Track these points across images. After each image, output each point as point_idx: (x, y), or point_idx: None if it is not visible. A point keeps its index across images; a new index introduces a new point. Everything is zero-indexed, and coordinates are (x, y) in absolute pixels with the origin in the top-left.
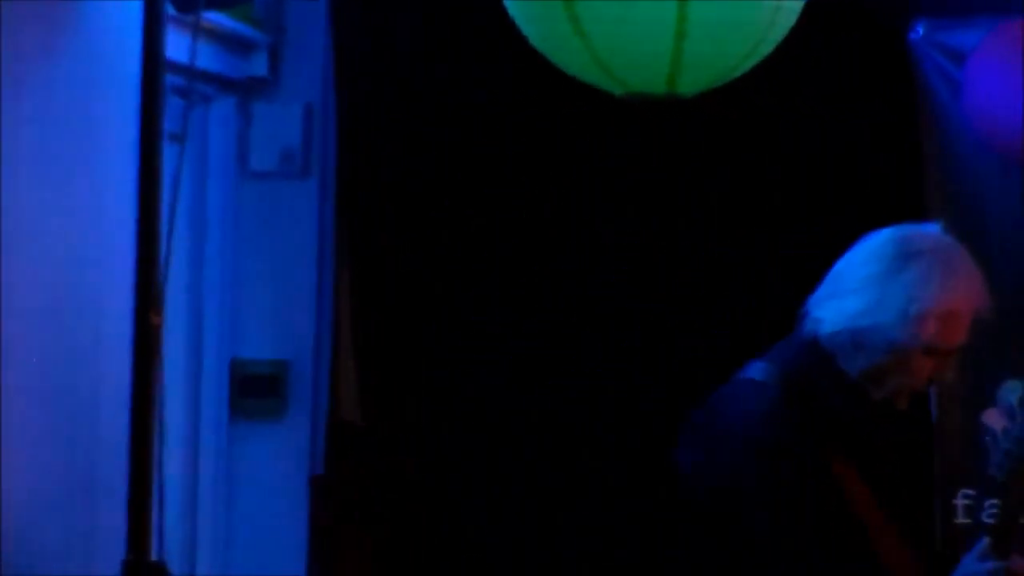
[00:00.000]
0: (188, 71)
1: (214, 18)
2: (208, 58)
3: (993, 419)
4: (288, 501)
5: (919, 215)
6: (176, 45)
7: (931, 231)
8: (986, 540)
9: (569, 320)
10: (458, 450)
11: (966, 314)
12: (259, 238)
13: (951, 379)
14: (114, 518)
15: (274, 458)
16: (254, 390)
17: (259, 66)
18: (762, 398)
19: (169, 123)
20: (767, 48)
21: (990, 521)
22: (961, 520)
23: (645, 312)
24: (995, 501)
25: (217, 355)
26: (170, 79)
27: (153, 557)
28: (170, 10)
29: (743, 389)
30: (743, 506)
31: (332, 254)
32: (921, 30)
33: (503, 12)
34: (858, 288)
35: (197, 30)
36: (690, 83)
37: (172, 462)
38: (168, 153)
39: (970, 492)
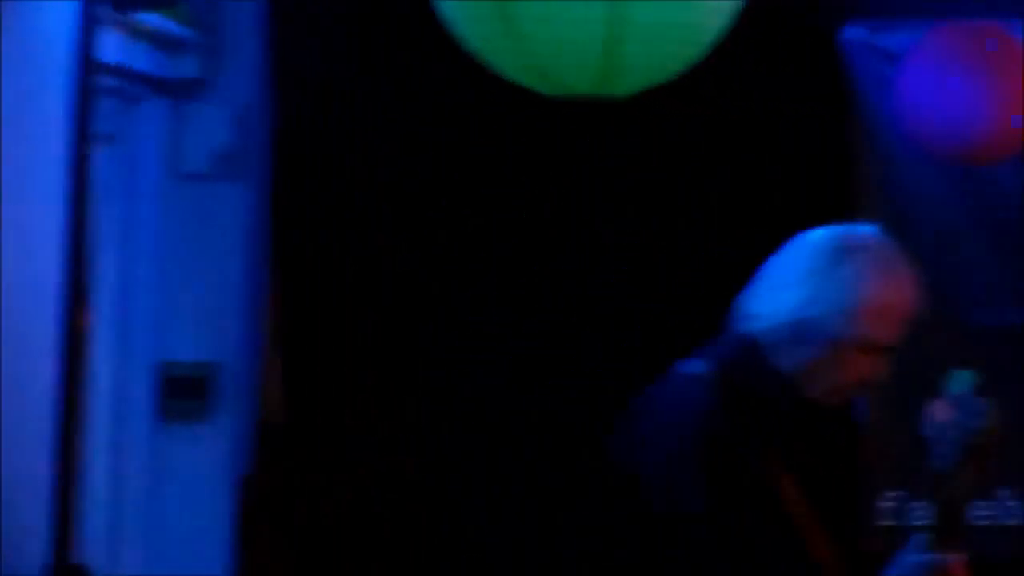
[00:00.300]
0: (121, 72)
1: (147, 19)
2: (140, 58)
3: (939, 410)
4: (215, 502)
5: (851, 213)
6: (109, 46)
7: (868, 230)
8: (927, 534)
9: (490, 319)
10: (384, 449)
11: (900, 312)
12: (189, 240)
13: (884, 379)
14: (38, 520)
15: (201, 459)
16: (182, 392)
17: (192, 67)
18: (700, 393)
19: (101, 124)
20: (702, 49)
21: (926, 519)
22: (886, 522)
23: (581, 310)
24: (931, 498)
25: (145, 357)
26: (103, 80)
27: (76, 559)
28: (105, 10)
29: (682, 384)
30: (680, 501)
31: (262, 256)
32: (854, 31)
33: (438, 12)
34: (796, 282)
35: (130, 31)
36: (624, 84)
37: (99, 464)
38: (99, 154)
39: (893, 494)
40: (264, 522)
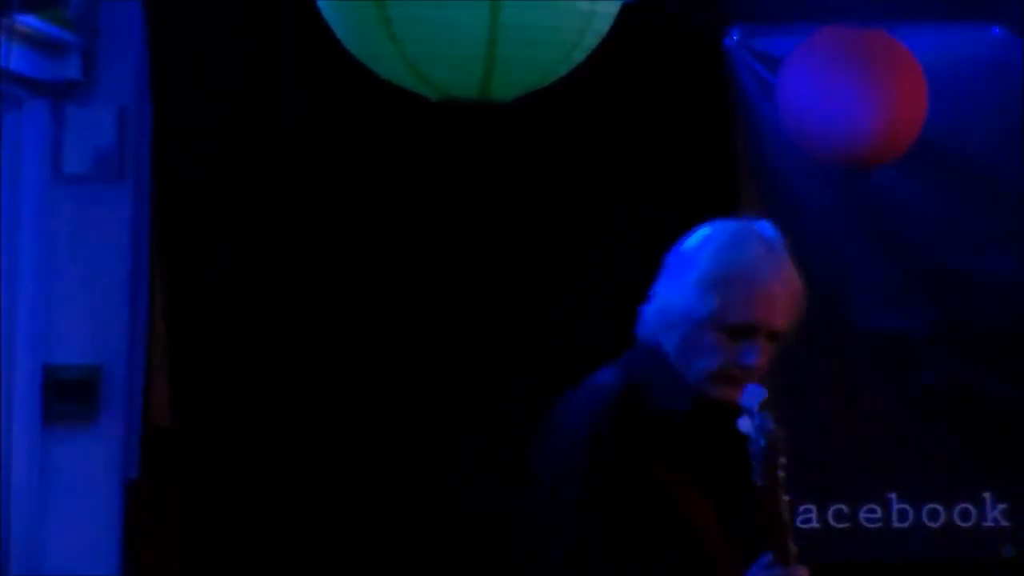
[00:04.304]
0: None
1: (26, 20)
2: (20, 60)
3: (743, 423)
4: (102, 505)
5: (731, 214)
6: None
7: (741, 219)
8: (770, 550)
9: (376, 320)
10: (270, 451)
11: (756, 290)
12: (72, 241)
13: (762, 369)
14: None
15: (87, 463)
16: (67, 395)
17: (72, 68)
18: (597, 398)
19: None
20: (582, 53)
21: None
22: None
23: (446, 306)
24: (757, 512)
25: (29, 360)
26: None
27: None
28: None
29: (584, 391)
30: (560, 503)
31: (146, 258)
32: (736, 35)
33: (319, 15)
34: (665, 270)
35: (9, 33)
36: (504, 88)
37: None
38: None
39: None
40: (151, 525)
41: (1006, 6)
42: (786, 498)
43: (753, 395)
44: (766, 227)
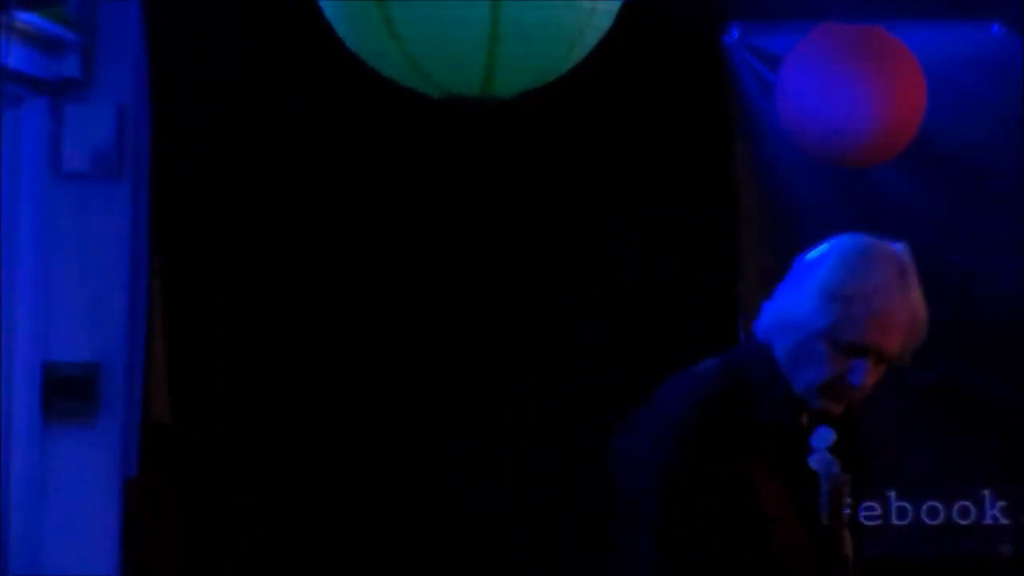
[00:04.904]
0: None
1: (25, 18)
2: (19, 58)
3: (815, 464)
4: (101, 502)
5: (732, 214)
6: None
7: (881, 240)
8: None
9: (376, 319)
10: (270, 451)
11: (880, 313)
12: (71, 239)
13: (866, 390)
14: None
15: (87, 460)
16: (66, 392)
17: (71, 67)
18: (695, 393)
19: None
20: (583, 50)
21: None
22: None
23: (446, 305)
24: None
25: (28, 358)
26: None
27: None
28: None
29: (686, 379)
30: (652, 487)
31: (145, 255)
32: (735, 33)
33: (320, 13)
34: (789, 275)
35: (8, 30)
36: (506, 85)
37: None
38: None
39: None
40: (150, 523)
41: (1006, 4)
42: (848, 537)
43: (822, 437)
44: (901, 249)
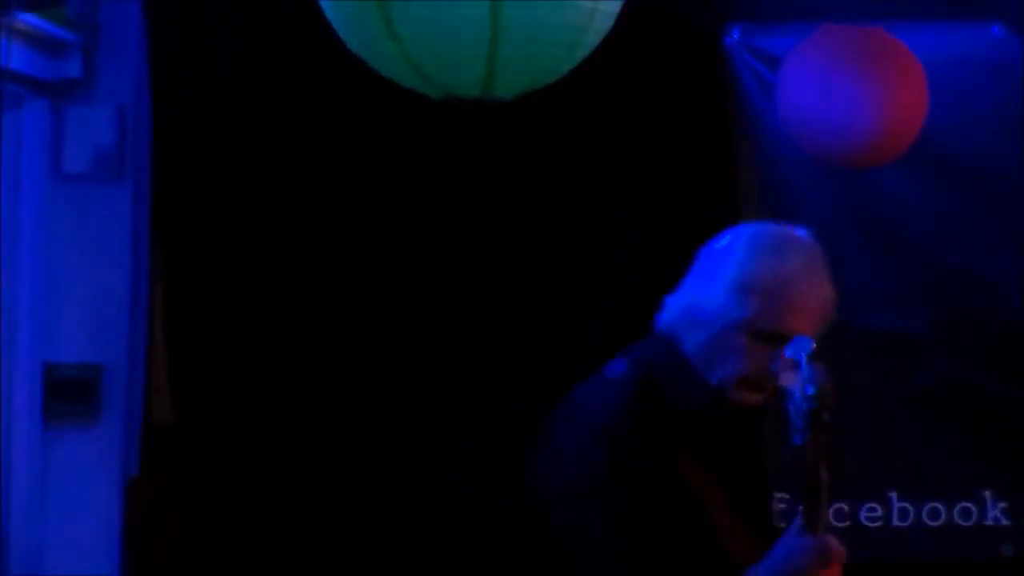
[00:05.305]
0: (0, 73)
1: (26, 19)
2: (20, 59)
3: (786, 377)
4: (102, 504)
5: (733, 216)
6: None
7: (788, 226)
8: (801, 517)
9: (375, 320)
10: (270, 451)
11: (797, 300)
12: (72, 241)
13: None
14: None
15: (88, 461)
16: (67, 394)
17: (73, 67)
18: (611, 395)
19: None
20: (584, 51)
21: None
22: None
23: (447, 306)
24: (795, 477)
25: (30, 359)
26: None
27: None
28: None
29: (597, 385)
30: (584, 498)
31: (146, 257)
32: (736, 34)
33: (320, 14)
34: (696, 267)
35: (9, 31)
36: (507, 85)
37: None
38: None
39: (783, 496)
40: (151, 523)
41: (1006, 5)
42: (825, 462)
43: (801, 347)
44: (806, 235)
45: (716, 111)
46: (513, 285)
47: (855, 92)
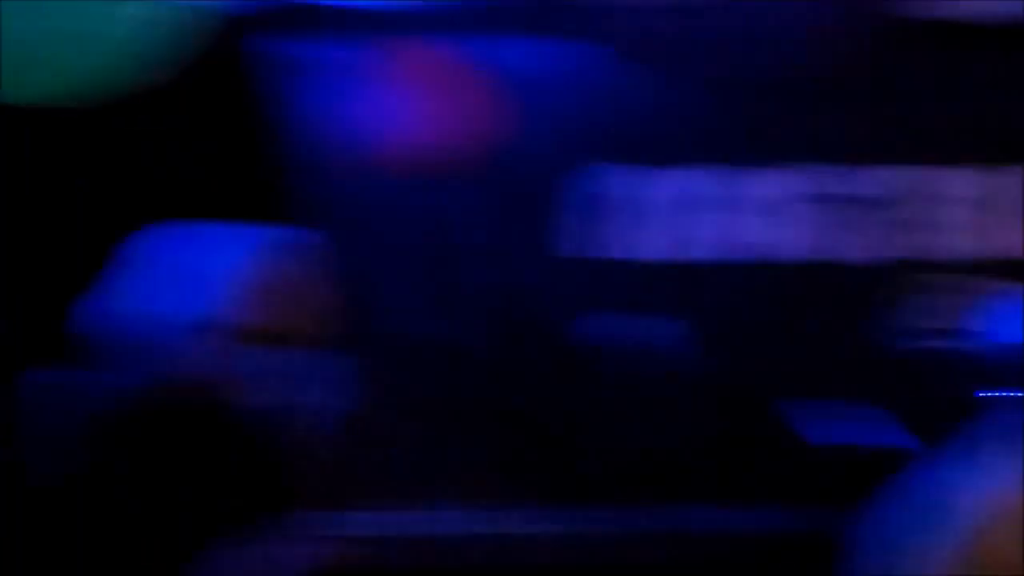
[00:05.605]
0: None
1: None
2: None
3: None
4: None
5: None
6: None
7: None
8: None
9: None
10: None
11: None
12: None
13: None
14: None
15: None
16: None
17: None
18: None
19: None
20: (106, 60)
21: None
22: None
23: None
24: None
25: None
26: None
27: None
28: None
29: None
30: None
31: None
32: (261, 43)
33: None
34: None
35: None
36: (22, 92)
37: None
38: None
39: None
40: None
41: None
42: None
43: None
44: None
45: (247, 122)
46: None
47: (400, 103)
